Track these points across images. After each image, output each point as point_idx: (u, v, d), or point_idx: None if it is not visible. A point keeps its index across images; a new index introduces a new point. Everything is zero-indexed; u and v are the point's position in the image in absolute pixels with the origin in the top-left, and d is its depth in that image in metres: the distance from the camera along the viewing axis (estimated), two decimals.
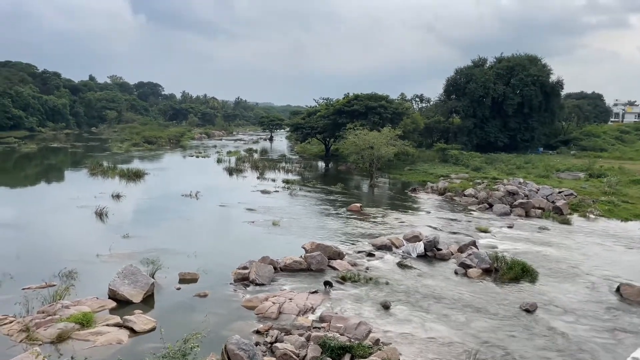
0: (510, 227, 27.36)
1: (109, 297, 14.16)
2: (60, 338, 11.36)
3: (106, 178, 40.59)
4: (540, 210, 31.07)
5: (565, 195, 34.74)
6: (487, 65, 70.07)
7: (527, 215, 30.74)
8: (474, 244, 21.46)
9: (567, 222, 28.83)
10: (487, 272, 18.84)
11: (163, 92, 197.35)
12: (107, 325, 12.21)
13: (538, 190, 35.66)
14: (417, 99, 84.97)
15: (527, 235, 25.70)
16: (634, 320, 15.11)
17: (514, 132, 64.84)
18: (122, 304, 13.93)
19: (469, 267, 18.90)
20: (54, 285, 14.85)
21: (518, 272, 18.45)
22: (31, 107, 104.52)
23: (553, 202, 32.57)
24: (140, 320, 12.42)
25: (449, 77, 70.03)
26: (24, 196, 34.80)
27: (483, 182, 41.19)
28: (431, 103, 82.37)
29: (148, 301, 14.42)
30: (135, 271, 14.68)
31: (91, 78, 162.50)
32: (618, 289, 17.52)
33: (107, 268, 16.44)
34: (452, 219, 29.09)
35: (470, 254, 19.58)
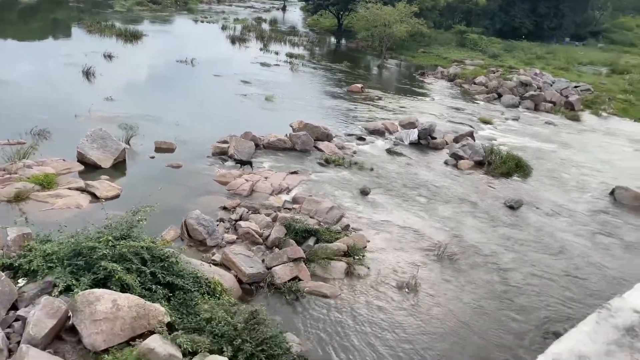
0: (515, 119, 26.11)
1: (78, 161, 13.64)
2: (18, 197, 10.98)
3: (102, 37, 38.54)
4: (551, 105, 29.52)
5: (581, 91, 32.86)
6: None
7: (537, 108, 29.26)
8: (471, 134, 20.46)
9: (576, 119, 27.49)
10: (479, 164, 18.07)
11: None
12: (69, 188, 11.79)
13: (553, 83, 33.72)
14: None
15: (531, 130, 24.58)
16: (620, 225, 14.61)
17: (541, 18, 59.91)
18: (90, 168, 13.42)
19: (461, 158, 18.08)
20: (24, 143, 14.25)
21: (511, 167, 17.69)
22: None
23: (566, 96, 30.84)
24: (103, 186, 11.98)
25: None
26: (15, 50, 33.34)
27: (497, 71, 38.91)
28: None
29: (118, 167, 13.92)
30: (105, 135, 13.97)
31: None
32: (612, 192, 16.85)
33: (82, 130, 15.59)
34: (455, 108, 27.73)
35: (464, 145, 18.67)
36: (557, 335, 9.08)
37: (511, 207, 14.71)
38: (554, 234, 13.39)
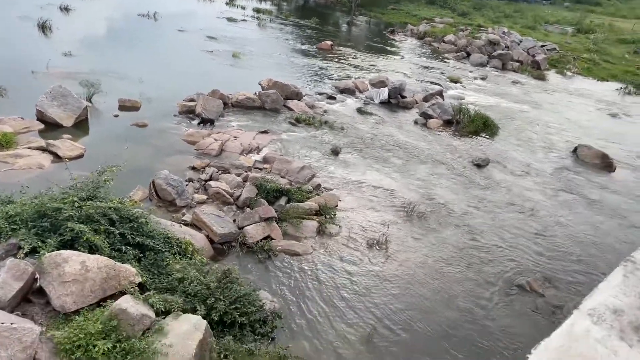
0: (483, 79, 26.30)
1: (37, 119, 13.05)
2: None
3: None
4: (518, 64, 29.82)
5: (547, 50, 33.26)
6: None
7: (504, 67, 29.52)
8: (440, 93, 20.52)
9: (541, 78, 27.90)
10: (448, 123, 18.22)
11: None
12: (29, 148, 11.31)
13: (521, 42, 33.93)
14: None
15: (498, 89, 24.83)
16: (583, 183, 15.10)
17: None
18: (51, 127, 12.87)
19: (430, 117, 18.17)
20: None
21: (479, 126, 17.93)
22: None
23: (533, 55, 31.17)
24: (65, 145, 11.54)
25: None
26: None
27: (467, 29, 38.83)
28: None
29: (81, 126, 13.39)
30: (66, 93, 13.36)
31: None
32: (575, 150, 17.33)
33: (40, 87, 14.90)
34: (425, 66, 27.67)
35: (433, 104, 18.74)
36: (521, 287, 9.48)
37: (478, 165, 14.98)
38: (521, 192, 13.75)
